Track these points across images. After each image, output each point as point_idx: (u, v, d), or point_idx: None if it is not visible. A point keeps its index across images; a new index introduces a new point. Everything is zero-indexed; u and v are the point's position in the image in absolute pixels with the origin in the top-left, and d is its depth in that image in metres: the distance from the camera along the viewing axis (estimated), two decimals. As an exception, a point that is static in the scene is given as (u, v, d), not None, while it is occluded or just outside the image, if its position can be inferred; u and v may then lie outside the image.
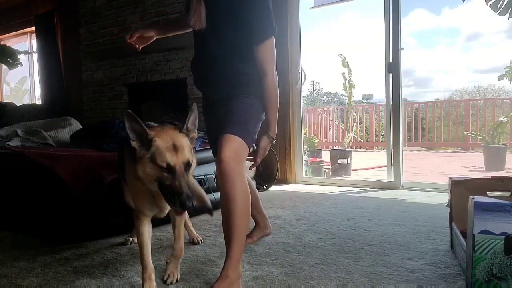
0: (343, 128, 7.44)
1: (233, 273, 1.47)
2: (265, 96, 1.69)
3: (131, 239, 2.13)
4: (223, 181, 1.50)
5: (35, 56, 6.31)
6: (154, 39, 2.02)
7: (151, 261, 1.53)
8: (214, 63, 1.72)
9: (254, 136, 1.65)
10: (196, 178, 2.60)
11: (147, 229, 1.55)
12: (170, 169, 1.30)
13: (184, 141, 1.35)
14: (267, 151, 1.75)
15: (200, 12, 1.66)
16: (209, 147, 2.07)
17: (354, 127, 7.01)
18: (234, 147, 1.51)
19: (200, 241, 2.15)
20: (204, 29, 1.68)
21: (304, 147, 4.43)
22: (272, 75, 1.68)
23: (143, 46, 1.99)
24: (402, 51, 3.68)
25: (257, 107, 1.70)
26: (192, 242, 2.14)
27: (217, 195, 2.32)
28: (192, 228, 2.21)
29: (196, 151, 2.74)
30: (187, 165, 1.33)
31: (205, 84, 1.83)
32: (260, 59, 1.65)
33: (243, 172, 1.53)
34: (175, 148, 1.31)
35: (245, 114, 1.64)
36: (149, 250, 1.54)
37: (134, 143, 1.35)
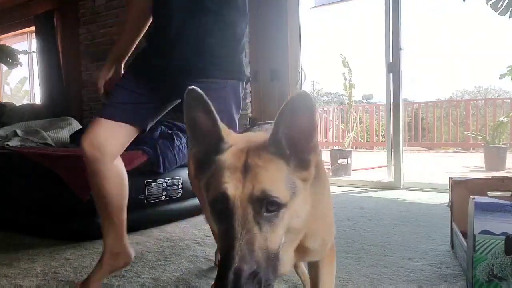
0: (343, 128, 7.43)
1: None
2: None
3: None
4: None
5: (35, 56, 6.31)
6: (122, 68, 1.64)
7: None
8: (177, 34, 1.42)
9: None
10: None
11: None
12: (224, 203, 0.69)
13: (268, 161, 0.72)
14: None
15: None
16: None
17: (354, 127, 7.00)
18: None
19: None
20: None
21: (304, 147, 4.42)
22: None
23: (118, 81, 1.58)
24: (402, 51, 3.68)
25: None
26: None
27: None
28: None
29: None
30: (261, 202, 0.68)
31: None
32: None
33: None
34: (245, 168, 0.71)
35: None
36: None
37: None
